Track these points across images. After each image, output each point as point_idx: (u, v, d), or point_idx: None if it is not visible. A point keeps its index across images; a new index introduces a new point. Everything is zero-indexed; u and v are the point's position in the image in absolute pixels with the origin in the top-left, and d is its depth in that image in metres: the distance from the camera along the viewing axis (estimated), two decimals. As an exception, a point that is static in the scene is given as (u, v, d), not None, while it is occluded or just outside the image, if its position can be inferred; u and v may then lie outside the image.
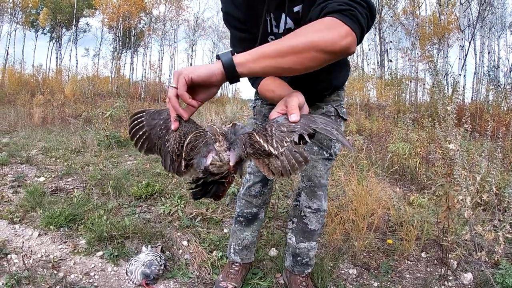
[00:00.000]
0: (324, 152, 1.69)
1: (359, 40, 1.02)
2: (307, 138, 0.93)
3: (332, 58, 0.99)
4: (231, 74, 0.99)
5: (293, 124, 0.95)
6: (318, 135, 1.61)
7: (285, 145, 0.92)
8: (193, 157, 1.00)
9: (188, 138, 1.00)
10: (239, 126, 1.02)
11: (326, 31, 0.96)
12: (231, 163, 0.96)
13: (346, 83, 1.75)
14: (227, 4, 1.41)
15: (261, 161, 0.95)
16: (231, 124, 1.01)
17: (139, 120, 1.12)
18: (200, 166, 0.98)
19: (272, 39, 1.41)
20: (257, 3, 1.34)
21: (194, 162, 1.00)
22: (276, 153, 0.92)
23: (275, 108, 1.08)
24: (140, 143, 1.11)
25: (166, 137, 1.06)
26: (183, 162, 1.01)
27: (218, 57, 0.99)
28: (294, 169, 0.92)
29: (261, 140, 0.94)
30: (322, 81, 1.55)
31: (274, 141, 0.93)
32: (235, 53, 1.00)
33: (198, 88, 1.01)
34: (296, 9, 1.30)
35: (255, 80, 1.45)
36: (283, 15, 1.33)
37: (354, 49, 1.01)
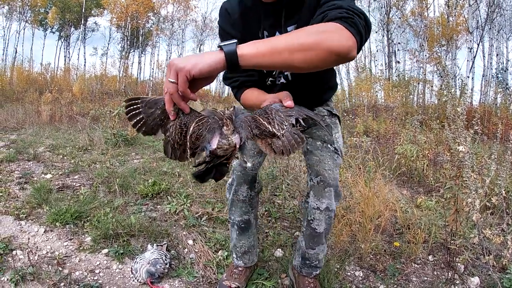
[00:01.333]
0: (329, 146, 1.69)
1: (359, 48, 1.06)
2: (302, 122, 1.05)
3: (336, 59, 1.01)
4: (233, 67, 0.98)
5: (290, 110, 1.07)
6: (318, 132, 1.69)
7: (285, 127, 1.02)
8: (198, 145, 1.04)
9: (191, 129, 1.03)
10: (238, 109, 1.12)
11: (333, 33, 1.00)
12: (237, 145, 1.03)
13: (333, 97, 1.84)
14: (224, 20, 1.50)
15: (265, 141, 1.04)
16: (232, 108, 1.09)
17: (134, 107, 1.15)
18: (206, 150, 1.03)
19: None
20: (252, 21, 1.44)
21: (199, 149, 1.05)
22: (279, 134, 1.02)
23: (268, 99, 1.19)
24: (138, 126, 1.14)
25: (166, 127, 1.10)
26: (188, 151, 1.05)
27: (220, 47, 0.98)
28: (293, 148, 1.02)
29: (265, 123, 1.03)
30: (313, 96, 1.67)
31: (275, 123, 1.02)
32: (238, 44, 0.98)
33: (197, 80, 1.01)
34: (289, 29, 1.38)
35: (238, 90, 1.55)
36: (277, 33, 1.42)
37: (355, 53, 1.03)
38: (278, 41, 1.00)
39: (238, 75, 1.53)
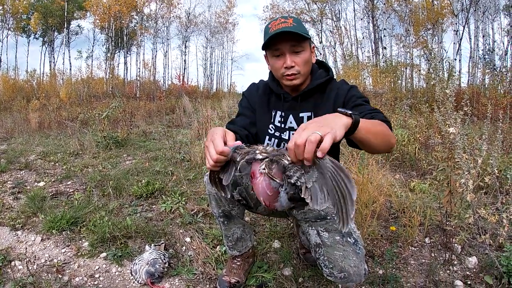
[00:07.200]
0: (348, 239, 1.58)
1: None
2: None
3: (388, 150, 1.36)
4: (350, 133, 1.12)
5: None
6: (334, 225, 1.61)
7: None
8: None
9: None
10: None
11: (392, 135, 1.34)
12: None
13: None
14: (250, 93, 1.81)
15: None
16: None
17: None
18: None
19: (272, 127, 1.73)
20: (271, 101, 1.74)
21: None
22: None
23: None
24: None
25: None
26: None
27: (349, 115, 1.10)
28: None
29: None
30: None
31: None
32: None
33: None
34: (303, 114, 1.65)
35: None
36: (291, 116, 1.68)
37: None
38: (374, 125, 1.24)
39: (241, 125, 1.71)
